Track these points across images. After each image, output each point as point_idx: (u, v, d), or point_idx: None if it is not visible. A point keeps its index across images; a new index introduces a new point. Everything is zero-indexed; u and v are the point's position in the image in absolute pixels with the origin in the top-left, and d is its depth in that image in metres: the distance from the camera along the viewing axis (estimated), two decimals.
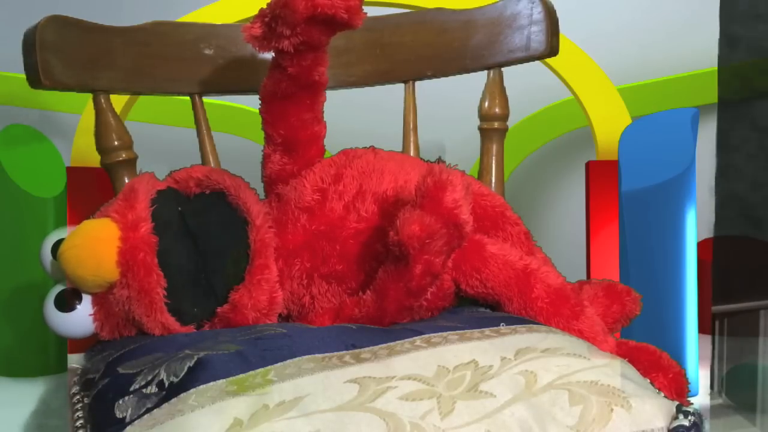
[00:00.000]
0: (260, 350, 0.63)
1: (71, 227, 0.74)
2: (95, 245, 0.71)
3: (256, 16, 0.75)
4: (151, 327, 0.72)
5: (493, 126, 0.97)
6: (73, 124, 1.35)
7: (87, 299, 0.73)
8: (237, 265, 0.76)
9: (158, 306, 0.71)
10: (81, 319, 0.73)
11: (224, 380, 0.59)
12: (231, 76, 0.93)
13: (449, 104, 1.47)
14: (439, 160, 0.73)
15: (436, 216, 0.65)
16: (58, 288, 0.74)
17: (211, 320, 0.75)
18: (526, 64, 0.97)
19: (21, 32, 0.83)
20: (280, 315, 0.79)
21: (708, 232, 1.49)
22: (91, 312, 0.73)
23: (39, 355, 1.50)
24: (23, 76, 0.84)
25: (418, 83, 0.98)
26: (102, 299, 0.73)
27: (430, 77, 0.98)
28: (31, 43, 0.82)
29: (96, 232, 0.72)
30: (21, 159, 1.50)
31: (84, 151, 1.30)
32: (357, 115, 1.49)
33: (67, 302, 0.72)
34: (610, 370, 0.61)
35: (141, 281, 0.71)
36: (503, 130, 0.97)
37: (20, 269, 1.49)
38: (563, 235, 1.52)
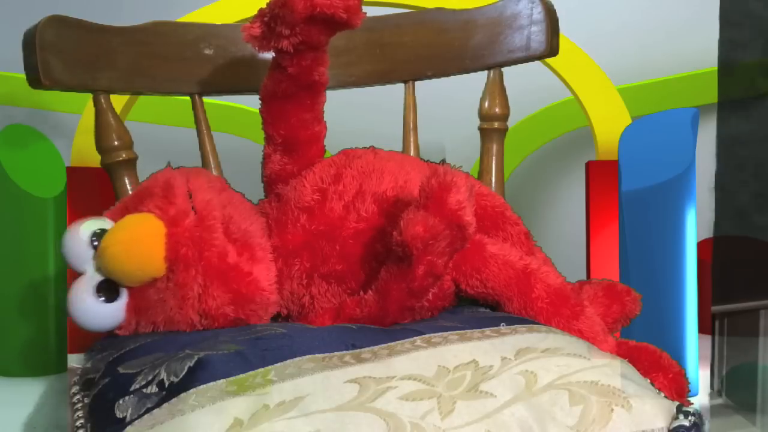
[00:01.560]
0: (260, 350, 0.63)
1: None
2: (145, 240, 0.71)
3: (255, 16, 0.75)
4: (179, 321, 0.72)
5: (493, 126, 0.97)
6: (73, 124, 1.35)
7: (123, 292, 0.73)
8: None
9: (191, 302, 0.72)
10: (117, 311, 0.72)
11: (224, 380, 0.59)
12: (231, 76, 0.93)
13: (449, 104, 1.47)
14: (443, 162, 0.74)
15: (440, 217, 0.65)
16: (93, 278, 0.72)
17: None
18: (526, 64, 0.97)
19: (21, 32, 0.83)
20: (279, 315, 0.79)
21: (708, 232, 1.49)
22: (125, 305, 0.73)
23: (39, 355, 1.49)
24: (23, 76, 0.84)
25: (418, 83, 0.98)
26: (137, 293, 0.72)
27: (430, 77, 0.98)
28: (31, 43, 0.82)
29: (144, 228, 0.72)
30: (21, 159, 1.50)
31: (84, 151, 1.30)
32: (357, 115, 1.49)
33: (109, 293, 0.72)
34: (610, 370, 0.61)
35: (180, 275, 0.71)
36: (503, 130, 0.97)
37: (20, 269, 1.49)
38: (563, 235, 1.52)
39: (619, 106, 1.35)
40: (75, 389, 0.69)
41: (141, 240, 0.71)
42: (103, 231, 0.73)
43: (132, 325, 0.73)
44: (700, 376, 1.30)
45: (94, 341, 0.75)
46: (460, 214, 0.65)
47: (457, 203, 0.65)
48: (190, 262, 0.72)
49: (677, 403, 0.61)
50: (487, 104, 0.96)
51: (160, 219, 0.72)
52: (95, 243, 0.73)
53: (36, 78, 0.82)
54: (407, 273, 0.68)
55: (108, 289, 0.72)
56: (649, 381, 0.66)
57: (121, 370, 0.64)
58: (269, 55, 0.79)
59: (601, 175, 1.29)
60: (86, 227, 0.74)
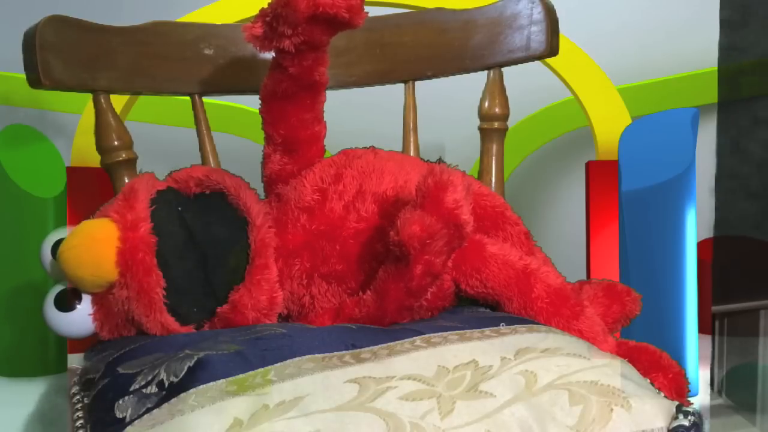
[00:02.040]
0: (260, 350, 0.63)
1: (71, 227, 0.74)
2: (94, 245, 0.71)
3: (257, 16, 0.75)
4: (150, 327, 0.72)
5: (493, 126, 0.97)
6: (73, 124, 1.35)
7: (87, 299, 0.73)
8: (237, 265, 0.76)
9: (157, 306, 0.71)
10: (81, 319, 0.73)
11: (224, 380, 0.59)
12: (231, 76, 0.93)
13: (449, 104, 1.47)
14: (440, 161, 0.74)
15: (437, 216, 0.65)
16: (58, 288, 0.74)
17: (211, 320, 0.75)
18: (526, 64, 0.97)
19: (21, 32, 0.83)
20: (280, 315, 0.79)
21: (708, 232, 1.49)
22: (91, 312, 0.73)
23: (39, 355, 1.49)
24: (23, 76, 0.84)
25: (418, 83, 0.98)
26: (101, 299, 0.73)
27: (430, 77, 0.98)
28: (31, 43, 0.82)
29: (95, 233, 0.72)
30: (21, 159, 1.50)
31: (84, 151, 1.30)
32: (357, 115, 1.49)
33: (67, 302, 0.73)
34: (610, 370, 0.61)
35: (140, 281, 0.71)
36: (503, 130, 0.97)
37: (20, 269, 1.49)
38: (563, 235, 1.52)
39: (619, 106, 1.35)
40: (75, 389, 0.70)
41: (91, 245, 0.71)
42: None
43: (105, 330, 0.74)
44: (700, 376, 1.30)
45: (94, 341, 0.76)
46: (456, 212, 0.65)
47: (454, 202, 0.65)
48: (150, 267, 0.71)
49: (677, 403, 0.61)
50: (487, 104, 0.96)
51: (115, 223, 0.72)
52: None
53: (36, 78, 0.82)
54: (405, 273, 0.68)
55: (71, 298, 0.73)
56: (649, 381, 0.66)
57: (120, 370, 0.64)
58: (269, 55, 0.79)
59: (601, 175, 1.29)
60: (53, 236, 0.75)
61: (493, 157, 0.97)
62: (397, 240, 0.66)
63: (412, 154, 0.96)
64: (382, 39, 0.97)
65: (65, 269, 0.71)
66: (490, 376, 0.60)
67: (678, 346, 1.24)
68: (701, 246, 1.31)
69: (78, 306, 0.73)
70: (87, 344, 0.77)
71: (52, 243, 0.75)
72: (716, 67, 1.60)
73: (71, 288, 0.73)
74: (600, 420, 0.57)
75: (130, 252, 0.71)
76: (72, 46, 0.84)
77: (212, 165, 0.93)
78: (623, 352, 0.75)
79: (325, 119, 0.84)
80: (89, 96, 0.88)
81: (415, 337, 0.65)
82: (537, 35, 0.95)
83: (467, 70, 0.97)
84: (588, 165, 1.32)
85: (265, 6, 0.74)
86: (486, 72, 0.97)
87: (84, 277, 0.71)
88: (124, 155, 0.87)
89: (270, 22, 0.74)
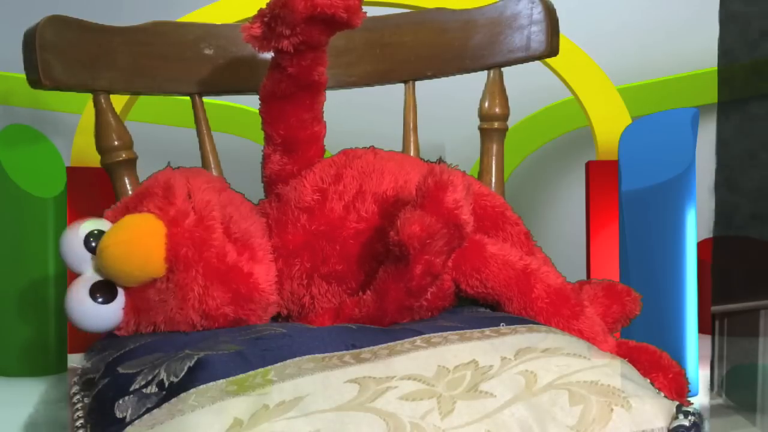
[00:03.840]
0: (260, 350, 0.63)
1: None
2: (144, 240, 0.71)
3: (255, 16, 0.75)
4: (180, 321, 0.72)
5: (493, 126, 0.97)
6: (73, 124, 1.35)
7: (121, 293, 0.73)
8: None
9: (191, 302, 0.72)
10: (113, 313, 0.72)
11: (224, 380, 0.59)
12: (231, 76, 0.93)
13: (449, 104, 1.47)
14: (440, 161, 0.73)
15: (437, 216, 0.65)
16: (89, 280, 0.72)
17: None
18: (526, 64, 0.97)
19: (21, 32, 0.83)
20: (279, 315, 0.79)
21: (708, 232, 1.49)
22: (123, 306, 0.73)
23: (39, 355, 1.50)
24: (23, 76, 0.84)
25: (418, 83, 0.98)
26: (135, 293, 0.72)
27: (430, 77, 0.98)
28: (31, 43, 0.82)
29: (144, 228, 0.72)
30: (21, 159, 1.50)
31: (84, 151, 1.30)
32: (357, 115, 1.49)
33: (106, 293, 0.72)
34: (610, 370, 0.61)
35: (180, 276, 0.71)
36: (503, 130, 0.97)
37: (20, 269, 1.49)
38: (563, 235, 1.53)
39: (619, 106, 1.35)
40: (75, 389, 0.70)
41: (141, 240, 0.71)
42: (100, 232, 0.73)
43: (131, 325, 0.73)
44: (700, 376, 1.30)
45: (94, 341, 0.75)
46: (456, 212, 0.65)
47: (454, 202, 0.65)
48: (190, 263, 0.72)
49: (677, 402, 0.61)
50: (487, 104, 0.96)
51: (160, 219, 0.72)
52: (93, 244, 0.73)
53: (36, 78, 0.82)
54: (405, 272, 0.68)
55: (104, 290, 0.72)
56: (649, 381, 0.66)
57: (120, 370, 0.64)
58: (269, 55, 0.79)
59: (601, 175, 1.29)
60: (83, 228, 0.74)
61: (493, 157, 0.97)
62: (397, 240, 0.66)
63: (412, 154, 0.96)
64: (382, 39, 0.97)
65: (111, 263, 0.71)
66: (490, 376, 0.60)
67: (678, 346, 1.24)
68: (701, 246, 1.31)
69: (116, 299, 0.72)
70: (87, 344, 0.77)
71: (82, 236, 0.73)
72: (716, 67, 1.60)
73: (106, 281, 0.72)
74: (600, 420, 0.57)
75: (176, 247, 0.71)
76: (72, 46, 0.84)
77: (212, 165, 0.93)
78: (623, 352, 0.75)
79: (325, 119, 0.84)
80: (89, 96, 0.88)
81: (415, 337, 0.65)
82: (537, 35, 0.95)
83: (467, 70, 0.97)
84: (588, 165, 1.32)
85: (264, 6, 0.74)
86: (486, 72, 0.97)
87: (132, 272, 0.71)
88: (124, 155, 0.87)
89: (268, 23, 0.74)
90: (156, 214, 0.73)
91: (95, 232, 0.73)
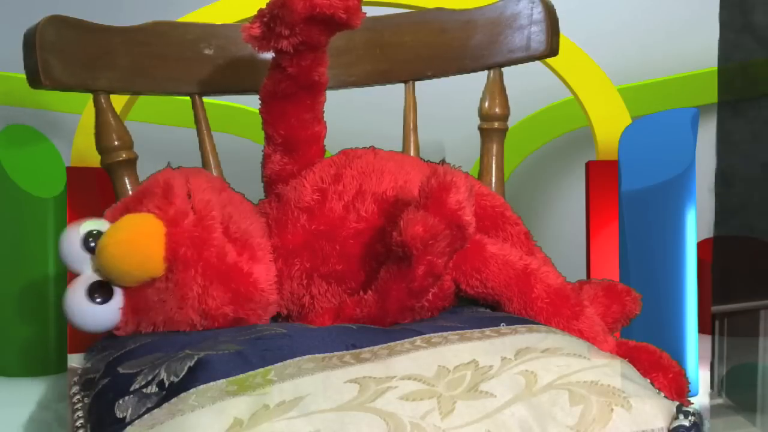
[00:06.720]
0: (260, 350, 0.63)
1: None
2: (143, 240, 0.71)
3: (254, 17, 0.75)
4: (179, 320, 0.72)
5: (493, 126, 0.97)
6: (73, 124, 1.35)
7: (118, 292, 0.72)
8: None
9: (191, 302, 0.72)
10: (111, 313, 0.72)
11: (224, 380, 0.59)
12: (231, 76, 0.93)
13: (449, 104, 1.47)
14: (443, 161, 0.74)
15: (440, 217, 0.65)
16: (87, 280, 0.72)
17: None
18: (526, 64, 0.97)
19: (21, 32, 0.83)
20: (279, 315, 0.79)
21: (708, 232, 1.49)
22: (122, 305, 0.73)
23: (39, 355, 1.49)
24: (23, 76, 0.84)
25: (418, 83, 0.98)
26: (133, 293, 0.72)
27: (430, 77, 0.98)
28: (31, 43, 0.82)
29: (143, 228, 0.72)
30: (21, 159, 1.50)
31: (84, 151, 1.30)
32: (357, 115, 1.49)
33: (104, 294, 0.72)
34: (610, 370, 0.61)
35: (179, 275, 0.71)
36: (503, 130, 0.97)
37: (20, 269, 1.49)
38: (563, 235, 1.52)
39: (619, 106, 1.35)
40: (75, 389, 0.69)
41: (140, 240, 0.71)
42: (99, 232, 0.73)
43: (130, 325, 0.73)
44: (700, 376, 1.30)
45: (94, 341, 0.75)
46: (459, 214, 0.65)
47: (457, 203, 0.65)
48: (189, 262, 0.72)
49: (677, 403, 0.61)
50: (487, 104, 0.96)
51: (159, 219, 0.72)
52: (91, 244, 0.73)
53: (36, 78, 0.82)
54: (407, 273, 0.68)
55: (102, 290, 0.72)
56: (649, 381, 0.66)
57: (121, 370, 0.64)
58: (269, 55, 0.79)
59: (601, 175, 1.29)
60: (82, 228, 0.74)
61: (493, 157, 0.97)
62: (399, 240, 0.66)
63: (412, 154, 0.96)
64: (382, 39, 0.97)
65: (110, 263, 0.71)
66: (490, 376, 0.60)
67: (678, 346, 1.24)
68: (701, 246, 1.31)
69: (114, 298, 0.72)
70: (87, 344, 0.77)
71: (81, 236, 0.73)
72: (716, 67, 1.60)
73: (104, 281, 0.72)
74: (600, 420, 0.57)
75: (175, 247, 0.71)
76: (72, 46, 0.84)
77: (212, 165, 0.93)
78: (623, 352, 0.75)
79: (325, 119, 0.84)
80: (89, 96, 0.88)
81: (415, 337, 0.65)
82: (537, 35, 0.95)
83: (467, 70, 0.97)
84: (588, 165, 1.32)
85: (263, 7, 0.74)
86: (486, 72, 0.97)
87: (130, 272, 0.71)
88: (124, 155, 0.87)
89: (268, 23, 0.74)
90: (155, 213, 0.73)
91: (94, 232, 0.73)
